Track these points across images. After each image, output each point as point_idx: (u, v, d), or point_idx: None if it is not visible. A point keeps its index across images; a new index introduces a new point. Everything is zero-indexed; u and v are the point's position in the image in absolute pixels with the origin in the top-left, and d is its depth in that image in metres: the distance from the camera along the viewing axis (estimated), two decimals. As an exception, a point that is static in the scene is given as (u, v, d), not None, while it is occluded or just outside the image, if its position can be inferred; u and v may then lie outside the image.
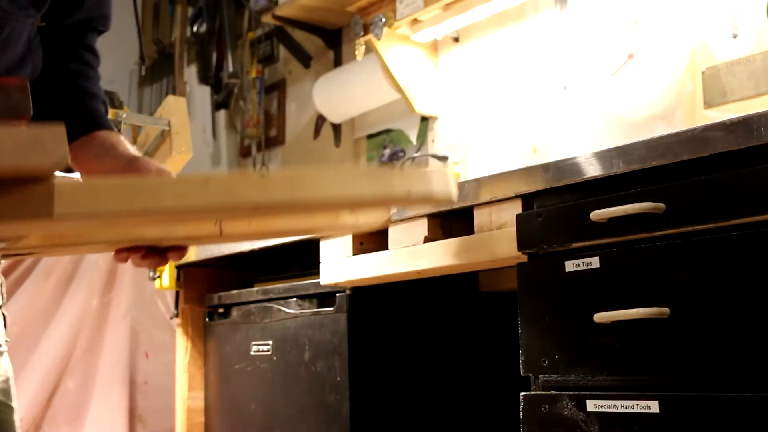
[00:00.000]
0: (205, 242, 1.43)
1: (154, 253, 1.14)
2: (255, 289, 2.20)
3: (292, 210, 1.26)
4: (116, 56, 4.13)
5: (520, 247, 1.37)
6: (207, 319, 2.38)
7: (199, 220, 1.21)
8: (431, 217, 1.57)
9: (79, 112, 1.21)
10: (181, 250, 1.16)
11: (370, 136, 2.91)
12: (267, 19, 2.93)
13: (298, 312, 1.99)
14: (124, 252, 1.13)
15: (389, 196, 1.26)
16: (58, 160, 0.87)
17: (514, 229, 1.38)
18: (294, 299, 2.02)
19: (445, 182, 1.32)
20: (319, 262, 1.80)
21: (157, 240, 1.24)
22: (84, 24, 1.28)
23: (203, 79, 3.61)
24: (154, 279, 2.45)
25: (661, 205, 1.18)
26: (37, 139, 0.86)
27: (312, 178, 1.17)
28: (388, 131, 2.83)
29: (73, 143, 1.19)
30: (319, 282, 1.82)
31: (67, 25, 1.25)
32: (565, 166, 1.31)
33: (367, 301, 1.85)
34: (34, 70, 1.19)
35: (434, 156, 2.58)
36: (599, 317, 1.23)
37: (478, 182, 1.45)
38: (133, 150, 1.23)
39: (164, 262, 1.15)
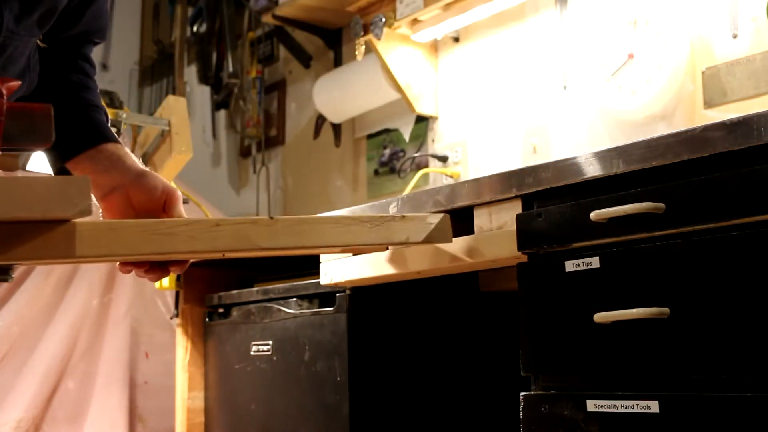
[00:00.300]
0: (206, 258, 1.49)
1: (156, 267, 1.18)
2: (255, 289, 2.20)
3: (297, 252, 1.32)
4: (116, 56, 4.13)
5: (520, 247, 1.37)
6: (207, 319, 2.38)
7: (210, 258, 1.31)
8: (431, 217, 1.57)
9: (85, 124, 1.23)
10: (182, 263, 1.19)
11: (370, 136, 2.91)
12: (267, 19, 2.94)
13: (298, 312, 1.99)
14: (128, 265, 1.17)
15: (388, 241, 1.33)
16: (82, 210, 0.92)
17: (514, 229, 1.38)
18: (294, 299, 2.02)
19: (444, 229, 1.39)
20: (319, 262, 1.80)
21: (163, 257, 1.28)
22: (82, 36, 1.28)
23: (203, 79, 3.61)
24: (154, 279, 2.45)
25: (661, 205, 1.18)
26: (63, 190, 0.91)
27: (316, 226, 1.24)
28: (388, 131, 2.83)
29: (80, 155, 1.20)
30: (319, 282, 1.82)
31: (66, 38, 1.26)
32: (565, 166, 1.31)
33: (367, 301, 1.85)
34: (30, 85, 1.20)
35: (434, 156, 2.58)
36: (599, 317, 1.23)
37: (478, 182, 1.45)
38: (139, 164, 1.24)
39: (166, 274, 1.19)
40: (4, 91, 0.93)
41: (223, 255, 1.27)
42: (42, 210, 0.91)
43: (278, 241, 1.20)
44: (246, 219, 1.18)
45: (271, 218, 1.20)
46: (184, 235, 1.10)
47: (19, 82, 1.01)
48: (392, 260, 1.62)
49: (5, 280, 1.09)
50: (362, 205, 1.70)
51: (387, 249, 1.58)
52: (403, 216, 1.35)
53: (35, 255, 0.96)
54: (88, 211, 0.94)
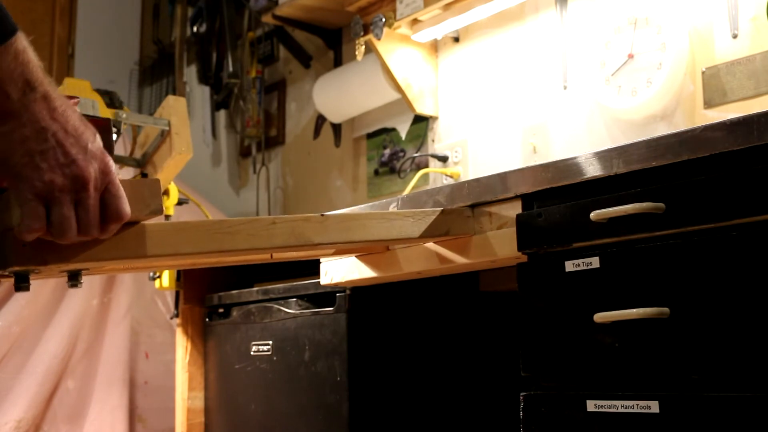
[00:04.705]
0: (256, 260, 1.56)
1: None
2: (255, 289, 2.20)
3: (345, 248, 1.37)
4: (116, 56, 4.14)
5: (520, 247, 1.37)
6: (207, 319, 2.38)
7: (264, 254, 1.38)
8: (431, 217, 1.57)
9: None
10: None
11: (370, 136, 2.91)
12: (267, 19, 2.94)
13: (298, 312, 1.99)
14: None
15: (429, 234, 1.39)
16: (154, 210, 0.98)
17: (514, 229, 1.38)
18: (294, 299, 2.02)
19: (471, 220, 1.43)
20: (319, 262, 1.80)
21: (213, 263, 1.34)
22: None
23: (203, 79, 3.61)
24: (154, 279, 2.45)
25: (661, 205, 1.18)
26: (135, 191, 0.96)
27: (364, 221, 1.30)
28: (388, 131, 2.83)
29: None
30: (319, 282, 1.82)
31: None
32: (565, 166, 1.31)
33: (367, 301, 1.85)
34: None
35: (434, 156, 2.58)
36: (599, 317, 1.23)
37: (478, 182, 1.45)
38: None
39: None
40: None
41: (271, 256, 1.36)
42: None
43: (329, 236, 1.25)
44: (298, 216, 1.24)
45: (322, 215, 1.26)
46: (243, 233, 1.15)
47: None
48: (392, 260, 1.62)
49: (75, 286, 1.11)
50: (362, 206, 1.70)
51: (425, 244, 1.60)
52: (443, 210, 1.41)
53: (108, 256, 1.00)
54: (160, 211, 0.99)
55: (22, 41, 0.85)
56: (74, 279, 1.11)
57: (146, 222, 1.04)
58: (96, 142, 0.91)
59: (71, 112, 0.89)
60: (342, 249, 1.48)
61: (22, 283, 1.02)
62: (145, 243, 1.04)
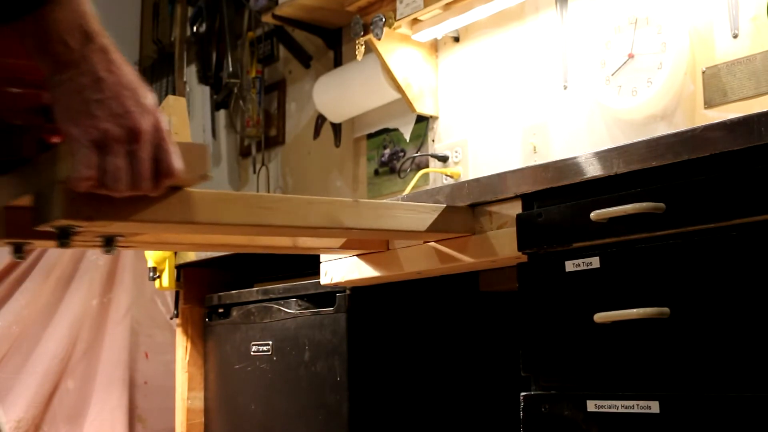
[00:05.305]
0: (276, 252, 1.60)
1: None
2: (255, 289, 2.20)
3: (375, 235, 1.40)
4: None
5: (520, 247, 1.37)
6: (207, 319, 2.38)
7: (296, 235, 1.44)
8: (431, 217, 1.57)
9: None
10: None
11: (370, 136, 2.91)
12: (267, 18, 2.93)
13: (298, 312, 1.99)
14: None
15: (448, 228, 1.43)
16: (202, 175, 0.99)
17: (514, 229, 1.38)
18: (294, 299, 2.02)
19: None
20: (319, 262, 1.80)
21: (239, 247, 1.36)
22: None
23: (203, 79, 3.61)
24: (154, 279, 2.45)
25: (661, 205, 1.18)
26: (184, 156, 0.95)
27: (392, 210, 1.37)
28: (388, 131, 2.83)
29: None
30: (319, 282, 1.82)
31: None
32: (565, 166, 1.31)
33: (367, 301, 1.85)
34: None
35: (434, 156, 2.58)
36: (599, 317, 1.23)
37: (478, 182, 1.45)
38: None
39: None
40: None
41: (294, 245, 1.42)
42: None
43: (361, 221, 1.28)
44: (334, 199, 1.26)
45: (355, 201, 1.29)
46: (281, 210, 1.18)
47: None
48: (392, 260, 1.62)
49: (109, 252, 1.13)
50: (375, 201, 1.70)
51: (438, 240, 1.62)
52: (459, 207, 1.44)
53: (152, 218, 1.02)
54: (206, 176, 1.00)
55: None
56: (109, 245, 1.13)
57: (190, 189, 1.05)
58: (149, 98, 0.91)
59: (126, 66, 0.90)
60: (359, 237, 1.49)
61: (63, 239, 1.02)
62: (189, 208, 1.05)
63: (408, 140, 2.73)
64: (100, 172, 0.88)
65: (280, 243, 1.48)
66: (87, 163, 0.87)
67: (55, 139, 0.98)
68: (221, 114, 3.70)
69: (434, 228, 1.38)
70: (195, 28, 3.63)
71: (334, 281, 1.77)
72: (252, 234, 1.35)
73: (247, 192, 1.22)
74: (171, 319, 2.58)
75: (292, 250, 1.53)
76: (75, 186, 0.90)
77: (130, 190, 0.91)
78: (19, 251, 1.14)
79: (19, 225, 1.08)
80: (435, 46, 2.62)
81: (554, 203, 1.34)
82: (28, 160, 1.00)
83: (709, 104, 1.93)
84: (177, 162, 0.93)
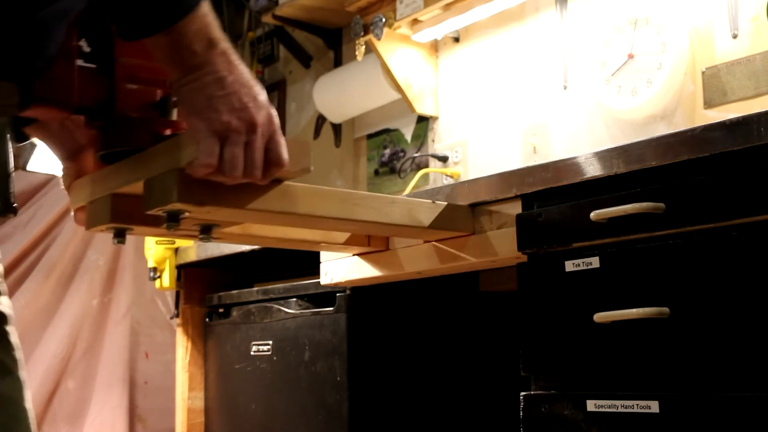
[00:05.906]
0: (348, 252, 1.72)
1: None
2: (255, 289, 2.20)
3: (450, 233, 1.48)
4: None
5: (520, 247, 1.37)
6: (207, 319, 2.38)
7: (375, 234, 1.55)
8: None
9: None
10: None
11: (370, 136, 2.91)
12: (267, 19, 2.93)
13: (298, 312, 1.99)
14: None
15: (449, 228, 1.45)
16: (304, 168, 1.06)
17: (514, 229, 1.38)
18: (294, 299, 2.02)
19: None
20: (319, 262, 1.80)
21: (312, 244, 1.50)
22: None
23: (203, 79, 3.60)
24: (154, 279, 2.45)
25: (661, 205, 1.18)
26: (288, 149, 1.02)
27: (457, 213, 1.42)
28: (388, 131, 2.83)
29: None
30: (319, 282, 1.82)
31: None
32: (565, 166, 1.31)
33: (367, 301, 1.85)
34: None
35: (434, 156, 2.58)
36: (599, 317, 1.23)
37: (478, 182, 1.45)
38: None
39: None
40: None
41: (368, 241, 1.55)
42: None
43: (439, 223, 1.38)
44: (412, 200, 1.36)
45: (433, 201, 1.39)
46: (368, 206, 1.26)
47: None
48: (393, 260, 1.62)
49: (206, 239, 1.22)
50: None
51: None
52: (459, 206, 1.47)
53: (255, 206, 1.10)
54: (308, 170, 1.07)
55: (205, 6, 0.96)
56: (206, 232, 1.21)
57: (289, 182, 1.13)
58: (263, 94, 1.00)
59: (243, 67, 1.00)
60: (436, 237, 1.55)
61: (172, 222, 1.10)
62: (289, 199, 1.14)
63: (408, 140, 2.74)
64: (219, 159, 0.97)
65: (353, 241, 1.55)
66: (209, 152, 0.97)
67: (168, 131, 1.07)
68: (221, 114, 3.69)
69: (435, 226, 1.39)
70: (195, 28, 3.63)
71: (334, 281, 1.77)
72: (338, 228, 1.43)
73: (341, 189, 1.27)
74: (171, 319, 2.58)
75: (366, 245, 1.60)
76: (195, 172, 0.99)
77: (243, 178, 1.00)
78: (120, 236, 1.20)
79: (125, 211, 1.15)
80: (435, 47, 2.62)
81: (554, 203, 1.34)
82: (142, 149, 1.06)
83: (708, 104, 1.93)
84: (285, 153, 1.02)
